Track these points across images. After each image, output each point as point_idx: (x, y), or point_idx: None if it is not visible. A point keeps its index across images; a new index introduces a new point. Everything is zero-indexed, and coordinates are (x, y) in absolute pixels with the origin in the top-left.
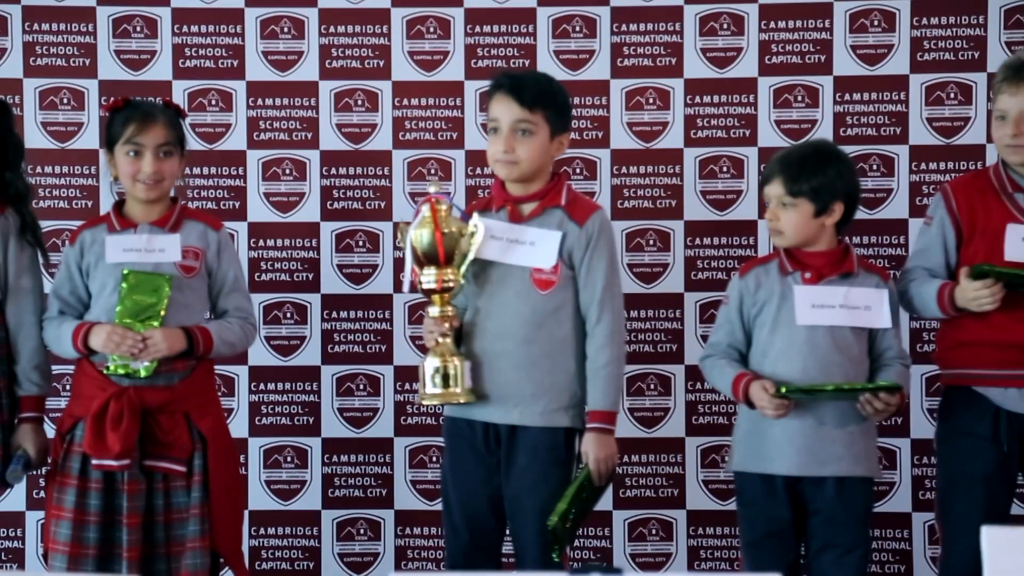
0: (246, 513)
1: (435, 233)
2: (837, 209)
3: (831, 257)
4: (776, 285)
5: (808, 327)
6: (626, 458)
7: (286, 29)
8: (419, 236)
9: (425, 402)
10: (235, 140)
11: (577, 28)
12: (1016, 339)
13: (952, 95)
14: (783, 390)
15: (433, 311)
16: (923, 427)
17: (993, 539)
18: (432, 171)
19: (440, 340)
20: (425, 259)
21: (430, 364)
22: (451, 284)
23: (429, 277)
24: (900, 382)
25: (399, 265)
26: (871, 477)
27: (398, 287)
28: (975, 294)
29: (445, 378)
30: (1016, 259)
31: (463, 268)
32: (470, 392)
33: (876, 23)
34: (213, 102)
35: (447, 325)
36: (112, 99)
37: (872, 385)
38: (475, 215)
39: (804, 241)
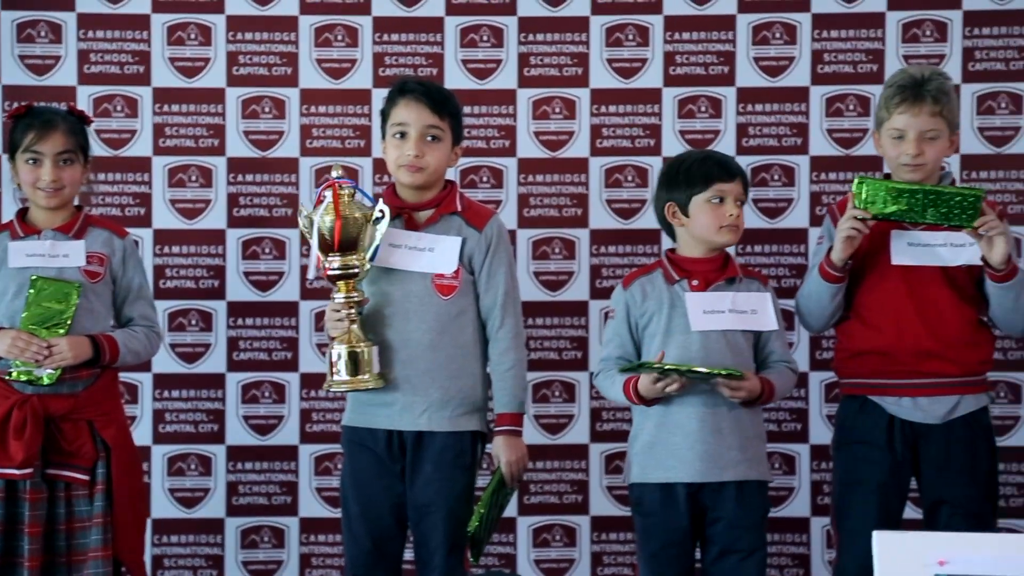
0: (149, 521)
1: (337, 218)
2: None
3: (714, 264)
4: (664, 294)
5: (702, 332)
6: (530, 464)
7: (193, 35)
8: (323, 221)
9: (333, 389)
10: (141, 146)
11: (485, 38)
12: (909, 349)
13: (851, 107)
14: (645, 365)
15: (339, 297)
16: (822, 433)
17: (883, 543)
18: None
19: (347, 326)
20: (330, 245)
21: (337, 350)
22: (356, 269)
23: (333, 262)
24: (785, 383)
25: (305, 272)
26: (767, 481)
27: (305, 294)
28: (837, 231)
29: (354, 364)
30: (902, 263)
31: (369, 253)
32: (379, 377)
33: (778, 36)
34: (119, 108)
35: (354, 311)
36: (16, 106)
37: (715, 370)
38: (380, 200)
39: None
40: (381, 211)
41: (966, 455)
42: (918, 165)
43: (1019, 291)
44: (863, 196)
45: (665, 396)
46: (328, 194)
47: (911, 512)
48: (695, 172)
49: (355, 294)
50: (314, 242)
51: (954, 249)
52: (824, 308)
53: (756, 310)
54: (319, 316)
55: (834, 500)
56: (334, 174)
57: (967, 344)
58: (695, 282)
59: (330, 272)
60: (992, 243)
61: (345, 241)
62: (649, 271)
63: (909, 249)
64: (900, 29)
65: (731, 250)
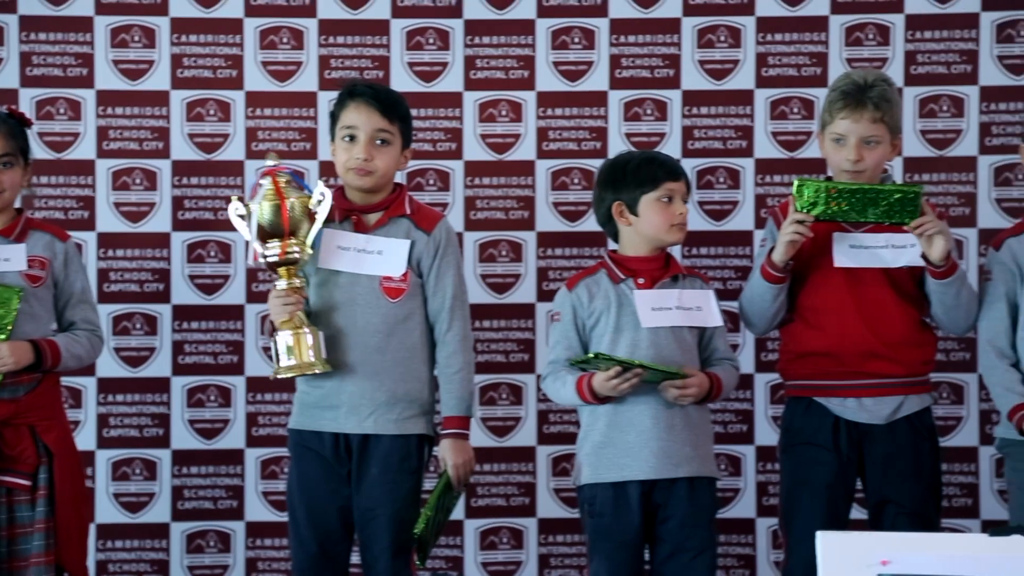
0: (93, 527)
1: (276, 204)
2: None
3: (658, 262)
4: (610, 293)
5: (651, 329)
6: (478, 467)
7: (137, 38)
8: (261, 209)
9: (280, 375)
10: (84, 149)
11: (431, 40)
12: (852, 350)
13: (796, 110)
14: (600, 356)
15: (281, 284)
16: (767, 434)
17: (826, 543)
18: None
19: (293, 311)
20: (269, 232)
21: (283, 338)
22: (296, 255)
23: (273, 249)
24: (729, 380)
25: (252, 276)
26: (716, 479)
27: (251, 297)
28: (780, 233)
29: (301, 349)
30: (844, 265)
31: (311, 238)
32: (326, 362)
33: (723, 39)
34: (61, 110)
35: (296, 297)
36: None
37: (671, 369)
38: (319, 183)
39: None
40: (322, 194)
41: (910, 455)
42: (858, 171)
43: (959, 288)
44: (804, 198)
45: (618, 395)
46: (265, 182)
47: (858, 512)
48: (643, 172)
49: (296, 280)
50: (252, 232)
51: (895, 251)
52: (766, 309)
53: (701, 307)
54: (265, 319)
55: (781, 502)
56: (269, 162)
57: (910, 344)
58: (641, 280)
59: (271, 259)
60: (931, 241)
61: (290, 226)
62: (592, 272)
63: (851, 251)
64: (843, 32)
65: (677, 252)
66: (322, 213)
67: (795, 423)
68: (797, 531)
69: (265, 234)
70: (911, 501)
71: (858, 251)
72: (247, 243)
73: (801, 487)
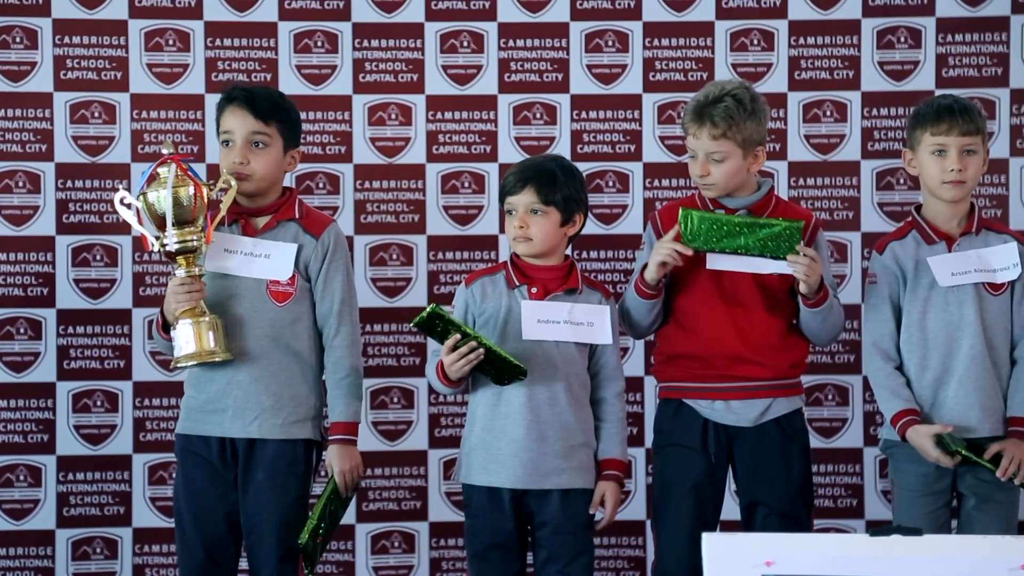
0: None
1: (185, 190)
2: (578, 221)
3: (558, 272)
4: (503, 297)
5: (534, 341)
6: (369, 471)
7: (19, 39)
8: (158, 197)
9: (181, 364)
10: None
11: (319, 43)
12: (720, 353)
13: (682, 114)
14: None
15: (180, 272)
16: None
17: (711, 544)
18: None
19: (195, 299)
20: (163, 222)
21: (184, 326)
22: (195, 243)
23: (172, 238)
24: (618, 401)
25: (138, 279)
26: (592, 488)
27: (137, 302)
28: (653, 253)
29: (203, 336)
30: (715, 267)
31: (214, 224)
32: (227, 350)
33: (611, 44)
34: None
35: (200, 284)
36: None
37: (508, 356)
38: (224, 172)
39: (548, 250)
40: (226, 182)
41: (779, 457)
42: (707, 185)
43: (825, 316)
44: (688, 229)
45: (456, 374)
46: (163, 170)
47: (733, 513)
48: (501, 184)
49: (196, 268)
50: (145, 220)
51: (767, 259)
52: (643, 320)
53: (593, 322)
54: (151, 324)
55: (653, 502)
56: (166, 150)
57: (778, 348)
58: (534, 290)
59: (169, 248)
60: (804, 276)
61: (186, 213)
62: (493, 272)
63: (723, 256)
64: (728, 38)
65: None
66: (227, 202)
67: (665, 424)
68: (667, 530)
69: (160, 223)
70: (781, 502)
71: (731, 256)
72: (135, 241)
73: (670, 488)
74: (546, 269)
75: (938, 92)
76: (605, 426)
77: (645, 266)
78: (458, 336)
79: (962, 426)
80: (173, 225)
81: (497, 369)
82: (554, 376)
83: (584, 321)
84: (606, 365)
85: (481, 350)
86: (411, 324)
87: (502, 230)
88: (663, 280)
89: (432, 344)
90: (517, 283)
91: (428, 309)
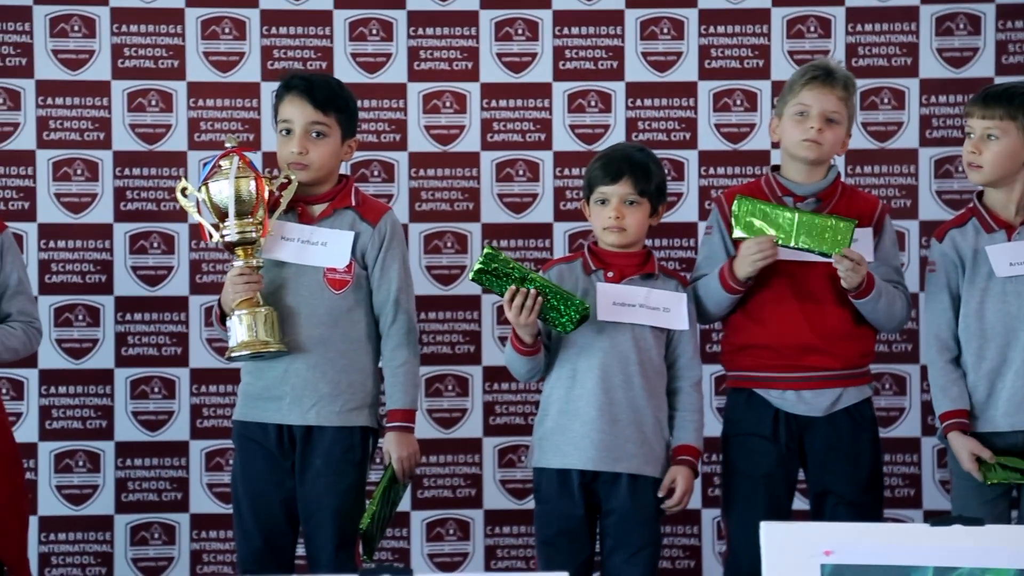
0: (35, 519)
1: (248, 181)
2: (662, 211)
3: (636, 259)
4: (579, 282)
5: (610, 324)
6: (424, 459)
7: (77, 27)
8: (219, 189)
9: (236, 354)
10: (24, 140)
11: (374, 31)
12: (791, 343)
13: (739, 102)
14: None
15: (239, 263)
16: (712, 426)
17: (770, 533)
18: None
19: (254, 290)
20: (223, 212)
21: (240, 317)
22: (254, 234)
23: (231, 230)
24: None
25: (195, 267)
26: (660, 477)
27: (194, 289)
28: (746, 252)
29: (258, 328)
30: (786, 258)
31: (274, 218)
32: (281, 342)
33: (666, 31)
34: (1, 101)
35: (258, 275)
36: None
37: (565, 292)
38: (285, 166)
39: (638, 240)
40: (287, 177)
41: (849, 446)
42: (817, 142)
43: (876, 303)
44: (740, 215)
45: (521, 323)
46: (225, 163)
47: (801, 503)
48: (589, 173)
49: (254, 260)
50: (205, 211)
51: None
52: (721, 310)
53: (670, 308)
54: (208, 312)
55: (723, 493)
56: (230, 143)
57: (847, 338)
58: (610, 274)
59: (228, 240)
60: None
61: (246, 206)
62: (570, 260)
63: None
64: (785, 25)
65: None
66: (287, 196)
67: (736, 414)
68: (738, 521)
69: (220, 215)
70: (851, 492)
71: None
72: (191, 228)
73: (741, 477)
74: (625, 255)
75: (998, 79)
76: (680, 414)
77: (732, 259)
78: (514, 288)
79: (1019, 417)
80: (225, 218)
81: (560, 309)
82: (629, 360)
83: (661, 306)
84: (683, 354)
85: (538, 297)
86: (470, 277)
87: (557, 218)
88: (751, 280)
89: (487, 341)
90: (594, 268)
91: (484, 251)
